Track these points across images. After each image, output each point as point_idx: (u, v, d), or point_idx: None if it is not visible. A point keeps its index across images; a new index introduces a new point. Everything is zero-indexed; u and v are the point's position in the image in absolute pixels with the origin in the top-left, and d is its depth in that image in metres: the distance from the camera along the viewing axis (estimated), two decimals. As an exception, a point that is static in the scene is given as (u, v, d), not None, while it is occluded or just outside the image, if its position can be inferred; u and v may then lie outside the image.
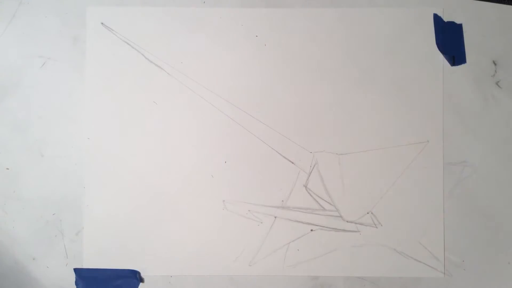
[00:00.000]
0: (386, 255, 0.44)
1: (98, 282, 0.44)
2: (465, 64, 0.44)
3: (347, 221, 0.44)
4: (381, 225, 0.44)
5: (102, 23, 0.45)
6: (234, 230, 0.44)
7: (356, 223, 0.44)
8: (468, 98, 0.44)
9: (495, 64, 0.44)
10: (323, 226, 0.44)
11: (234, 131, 0.44)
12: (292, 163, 0.44)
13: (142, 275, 0.44)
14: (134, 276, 0.44)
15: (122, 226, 0.44)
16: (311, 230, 0.44)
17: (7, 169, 0.45)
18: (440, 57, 0.44)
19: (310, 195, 0.44)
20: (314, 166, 0.44)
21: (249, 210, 0.44)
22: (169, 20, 0.45)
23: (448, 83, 0.44)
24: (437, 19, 0.45)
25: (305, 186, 0.44)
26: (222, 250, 0.44)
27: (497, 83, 0.44)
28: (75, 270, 0.44)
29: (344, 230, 0.44)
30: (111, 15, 0.45)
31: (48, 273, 0.44)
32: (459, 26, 0.45)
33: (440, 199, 0.44)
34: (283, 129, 0.44)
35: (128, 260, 0.44)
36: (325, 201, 0.44)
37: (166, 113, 0.44)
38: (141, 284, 0.44)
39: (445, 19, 0.45)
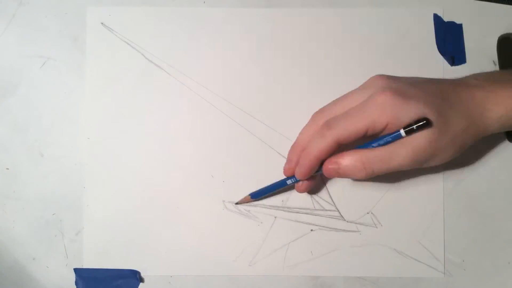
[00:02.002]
0: (386, 255, 0.44)
1: (98, 282, 0.44)
2: (465, 64, 0.44)
3: (347, 221, 0.44)
4: (381, 225, 0.44)
5: (102, 23, 0.45)
6: (234, 230, 0.44)
7: (356, 223, 0.44)
8: (468, 98, 0.44)
9: (495, 64, 0.44)
10: (323, 226, 0.44)
11: (234, 131, 0.44)
12: (292, 163, 0.44)
13: (142, 275, 0.44)
14: (134, 276, 0.44)
15: (122, 226, 0.44)
16: (311, 230, 0.44)
17: (7, 169, 0.45)
18: (440, 57, 0.44)
19: (310, 195, 0.44)
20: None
21: (249, 210, 0.44)
22: (169, 20, 0.45)
23: (448, 83, 0.44)
24: (437, 19, 0.45)
25: (305, 186, 0.44)
26: (222, 250, 0.44)
27: (497, 83, 0.44)
28: (75, 270, 0.44)
29: (344, 230, 0.44)
30: (111, 15, 0.45)
31: (48, 273, 0.44)
32: (459, 26, 0.45)
33: (440, 199, 0.44)
34: (283, 129, 0.44)
35: (128, 260, 0.44)
36: (325, 201, 0.44)
37: (166, 113, 0.44)
38: (141, 284, 0.44)
39: (445, 19, 0.45)
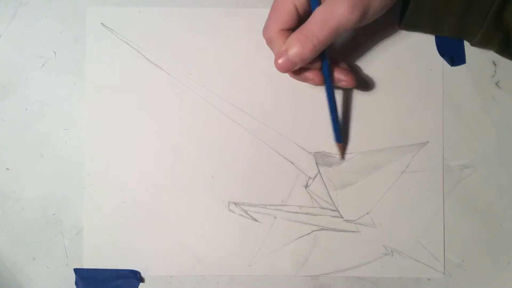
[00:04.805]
0: (386, 255, 0.44)
1: (98, 282, 0.44)
2: (465, 64, 0.45)
3: (347, 221, 0.44)
4: (381, 225, 0.44)
5: (102, 24, 0.45)
6: (234, 230, 0.44)
7: (355, 223, 0.44)
8: (468, 98, 0.44)
9: (495, 64, 0.44)
10: (323, 226, 0.44)
11: (234, 131, 0.44)
12: (292, 163, 0.44)
13: (142, 275, 0.44)
14: (134, 276, 0.44)
15: (122, 226, 0.44)
16: (311, 230, 0.44)
17: (7, 169, 0.45)
18: (440, 57, 0.44)
19: (310, 195, 0.44)
20: (317, 170, 0.44)
21: (248, 210, 0.44)
22: (169, 20, 0.45)
23: (448, 83, 0.44)
24: (437, 19, 0.45)
25: (305, 186, 0.44)
26: (222, 250, 0.44)
27: (497, 84, 0.44)
28: (75, 270, 0.44)
29: (344, 230, 0.44)
30: (111, 16, 0.45)
31: (48, 273, 0.44)
32: (459, 27, 0.45)
33: (440, 199, 0.44)
34: (283, 129, 0.44)
35: (128, 260, 0.44)
36: (325, 201, 0.44)
37: (166, 113, 0.44)
38: (141, 284, 0.44)
39: (445, 19, 0.45)
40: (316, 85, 0.40)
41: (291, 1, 0.37)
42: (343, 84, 0.41)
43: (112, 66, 0.45)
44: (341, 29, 0.36)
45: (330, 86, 0.40)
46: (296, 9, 0.37)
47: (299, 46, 0.36)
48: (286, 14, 0.37)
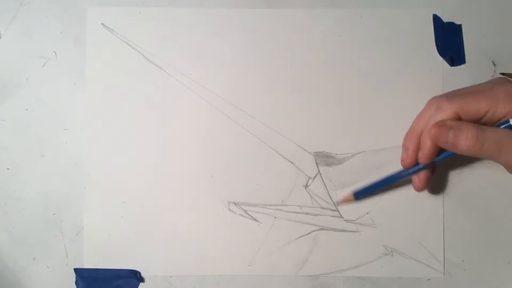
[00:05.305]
0: (385, 255, 0.44)
1: (98, 282, 0.44)
2: (465, 64, 0.45)
3: (347, 221, 0.44)
4: (381, 225, 0.44)
5: (102, 24, 0.45)
6: (234, 230, 0.44)
7: (355, 223, 0.44)
8: (468, 98, 0.44)
9: (494, 64, 0.44)
10: (323, 226, 0.44)
11: (234, 131, 0.44)
12: (292, 163, 0.44)
13: (142, 275, 0.44)
14: (134, 276, 0.44)
15: (122, 226, 0.44)
16: (311, 230, 0.44)
17: (7, 169, 0.45)
18: (440, 57, 0.44)
19: (310, 195, 0.44)
20: (317, 170, 0.44)
21: (248, 210, 0.44)
22: (169, 20, 0.45)
23: (448, 83, 0.44)
24: (436, 19, 0.45)
25: (305, 186, 0.44)
26: (222, 250, 0.44)
27: (496, 84, 0.44)
28: (75, 270, 0.44)
29: (343, 230, 0.44)
30: (112, 16, 0.45)
31: (48, 273, 0.44)
32: (459, 27, 0.45)
33: (440, 199, 0.44)
34: (283, 129, 0.44)
35: (128, 260, 0.44)
36: (325, 201, 0.44)
37: (166, 113, 0.45)
38: (141, 284, 0.44)
39: (445, 19, 0.45)
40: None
41: (489, 104, 0.35)
42: (414, 183, 0.41)
43: (112, 66, 0.45)
44: (503, 163, 0.37)
45: (415, 171, 0.40)
46: (485, 115, 0.36)
47: (467, 134, 0.35)
48: (476, 111, 0.36)
